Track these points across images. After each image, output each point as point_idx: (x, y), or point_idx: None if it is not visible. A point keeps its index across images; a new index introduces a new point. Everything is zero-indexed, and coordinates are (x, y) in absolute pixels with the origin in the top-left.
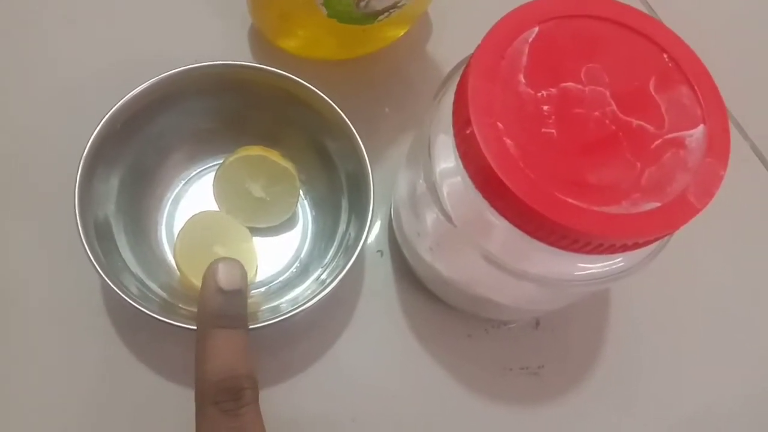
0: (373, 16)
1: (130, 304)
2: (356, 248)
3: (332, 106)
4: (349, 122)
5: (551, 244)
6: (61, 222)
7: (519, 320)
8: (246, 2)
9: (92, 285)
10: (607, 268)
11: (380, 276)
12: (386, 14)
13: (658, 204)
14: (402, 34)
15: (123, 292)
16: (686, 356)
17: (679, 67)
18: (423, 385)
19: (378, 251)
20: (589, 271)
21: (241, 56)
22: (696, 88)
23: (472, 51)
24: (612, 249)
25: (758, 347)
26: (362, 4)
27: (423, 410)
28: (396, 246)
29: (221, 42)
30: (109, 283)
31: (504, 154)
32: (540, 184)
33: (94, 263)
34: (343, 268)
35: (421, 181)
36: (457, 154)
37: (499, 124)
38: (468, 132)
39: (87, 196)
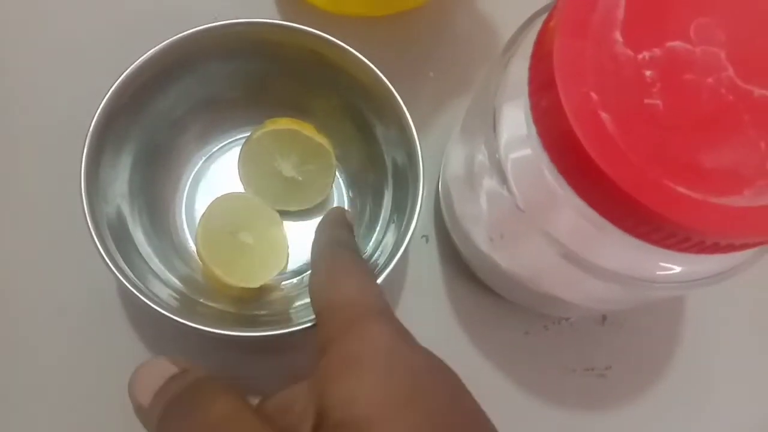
0: None
1: (149, 305)
2: (396, 252)
3: (371, 67)
4: (390, 85)
5: (654, 242)
6: (71, 214)
7: (582, 315)
8: None
9: (108, 280)
10: (709, 269)
11: (425, 264)
12: None
13: None
14: None
15: (141, 293)
16: (764, 363)
17: None
18: (474, 387)
19: (423, 236)
20: (685, 271)
21: (265, 13)
22: None
23: (530, 3)
24: (730, 248)
25: None
26: None
27: None
28: (443, 231)
29: None
30: (128, 286)
31: (599, 131)
32: (645, 170)
33: (111, 267)
34: (386, 266)
35: (480, 158)
36: (533, 128)
37: (593, 94)
38: (552, 103)
39: (95, 184)
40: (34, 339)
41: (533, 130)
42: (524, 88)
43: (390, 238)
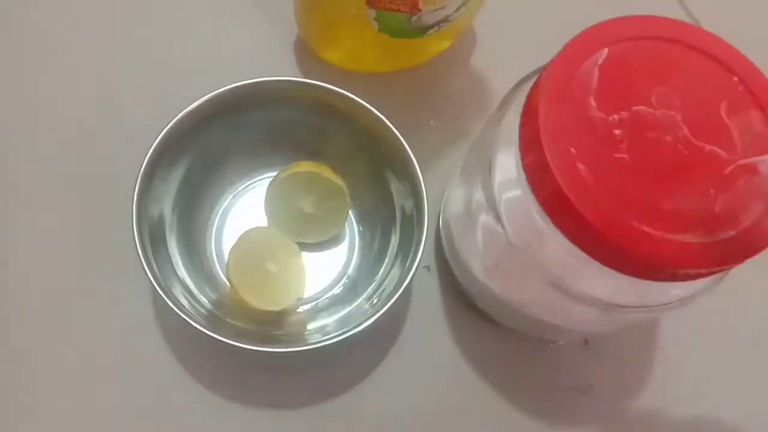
0: (423, 30)
1: (180, 316)
2: (409, 273)
3: (381, 119)
4: (398, 134)
5: (624, 272)
6: (116, 229)
7: (567, 339)
8: (293, 11)
9: (145, 297)
10: (675, 294)
11: (427, 293)
12: (436, 28)
13: (734, 233)
14: (447, 47)
15: (173, 303)
16: (739, 378)
17: (749, 90)
18: (470, 407)
19: (425, 267)
20: (655, 297)
21: (286, 67)
22: (767, 111)
23: (516, 65)
24: (686, 277)
25: None
26: (414, 19)
27: (470, 431)
28: (444, 262)
29: (266, 54)
30: (162, 294)
31: (578, 180)
32: (615, 213)
33: (154, 283)
34: (391, 296)
35: (477, 198)
36: (522, 177)
37: (572, 149)
38: (538, 156)
39: (144, 213)
40: (71, 341)
41: (523, 176)
42: (515, 139)
43: (396, 271)
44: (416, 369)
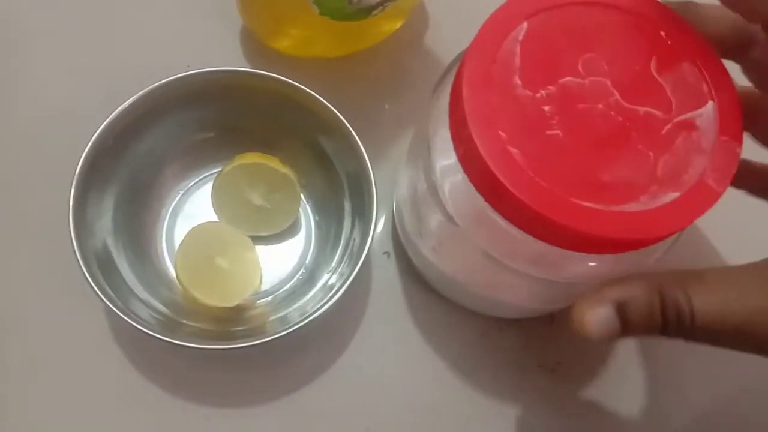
0: (366, 10)
1: (137, 328)
2: (362, 253)
3: (326, 105)
4: (344, 120)
5: (570, 248)
6: (60, 249)
7: (532, 317)
8: (236, 4)
9: (97, 308)
10: (620, 264)
11: (388, 278)
12: (380, 8)
13: (678, 194)
14: (398, 27)
15: (129, 317)
16: (706, 351)
17: (678, 44)
18: (438, 389)
19: (384, 253)
20: (603, 268)
21: (234, 59)
22: (699, 63)
23: (472, 41)
24: (632, 246)
25: None
26: None
27: (439, 415)
28: (403, 246)
29: (212, 45)
30: (116, 311)
31: (511, 164)
32: (553, 191)
33: (99, 294)
34: (350, 274)
35: (421, 179)
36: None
37: (502, 134)
38: (468, 144)
39: (82, 221)
40: (28, 361)
41: (461, 166)
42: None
43: (354, 248)
44: (381, 357)
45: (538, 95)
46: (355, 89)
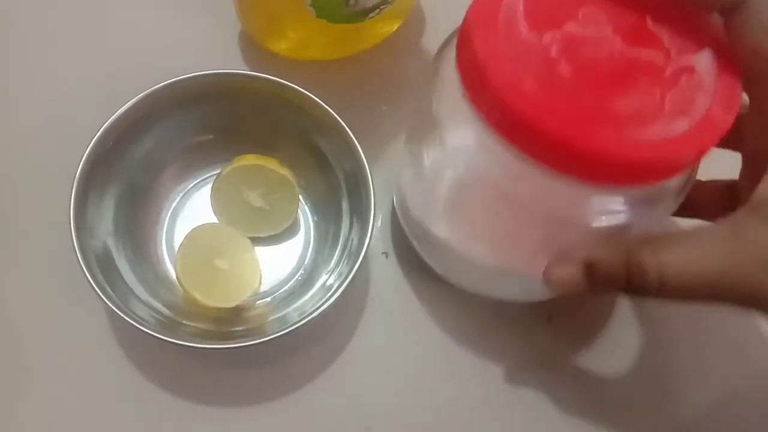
0: (363, 13)
1: (138, 328)
2: (360, 253)
3: (323, 106)
4: (341, 121)
5: (593, 181)
6: (61, 249)
7: (531, 317)
8: (234, 7)
9: (98, 308)
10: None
11: (386, 278)
12: (377, 11)
13: (688, 125)
14: (395, 29)
15: (129, 317)
16: (702, 344)
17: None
18: (436, 388)
19: (383, 253)
20: (618, 210)
21: (232, 61)
22: (691, 17)
23: None
24: (649, 174)
25: None
26: (351, 2)
27: (438, 413)
28: (401, 246)
29: (211, 48)
30: (117, 311)
31: (528, 96)
32: (571, 119)
33: (100, 294)
34: (349, 274)
35: (425, 149)
36: (467, 109)
37: (513, 69)
38: (482, 82)
39: (83, 222)
40: (29, 361)
41: (467, 108)
42: (455, 78)
43: (353, 248)
44: (380, 356)
45: (544, 39)
46: (353, 91)
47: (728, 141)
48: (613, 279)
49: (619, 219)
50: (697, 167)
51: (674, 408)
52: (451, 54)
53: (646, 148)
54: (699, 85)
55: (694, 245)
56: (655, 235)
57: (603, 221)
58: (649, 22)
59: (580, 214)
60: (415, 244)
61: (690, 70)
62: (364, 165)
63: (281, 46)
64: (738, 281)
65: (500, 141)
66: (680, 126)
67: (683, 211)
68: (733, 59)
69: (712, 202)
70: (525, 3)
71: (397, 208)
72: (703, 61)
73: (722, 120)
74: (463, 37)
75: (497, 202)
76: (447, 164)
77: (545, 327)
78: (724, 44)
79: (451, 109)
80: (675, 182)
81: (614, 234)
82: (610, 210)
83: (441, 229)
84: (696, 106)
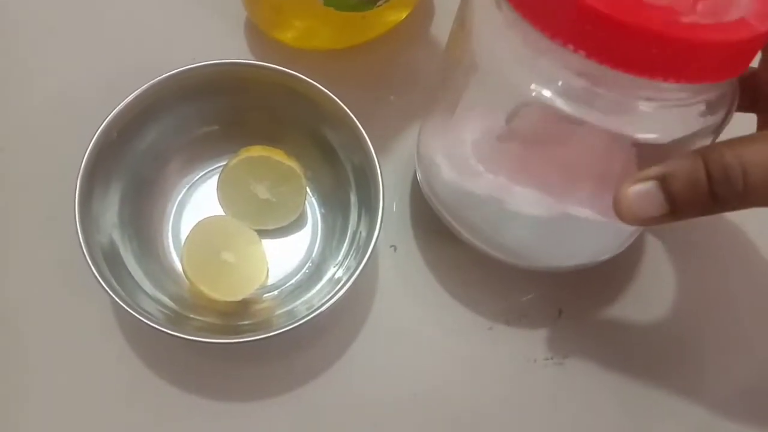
0: (371, 1)
1: (144, 322)
2: (369, 246)
3: (331, 97)
4: (350, 112)
5: (638, 72)
6: (66, 243)
7: (542, 307)
8: None
9: (104, 303)
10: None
11: (395, 271)
12: None
13: (727, 19)
14: (403, 17)
15: (136, 311)
16: (710, 344)
17: None
18: (445, 382)
19: (391, 246)
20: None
21: (238, 51)
22: None
23: None
24: (691, 72)
25: None
26: None
27: (446, 408)
28: (410, 238)
29: (217, 38)
30: (123, 305)
31: None
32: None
33: (106, 288)
34: (357, 267)
35: (467, 96)
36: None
37: None
38: None
39: (88, 216)
40: (35, 356)
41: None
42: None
43: (361, 241)
44: (388, 351)
45: None
46: (360, 81)
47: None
48: (694, 187)
49: (676, 131)
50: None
51: (686, 405)
52: None
53: (684, 30)
54: None
55: None
56: (730, 139)
57: (660, 133)
58: None
59: (636, 125)
60: (448, 218)
61: None
62: (373, 158)
63: (287, 35)
64: None
65: (542, 38)
66: (720, 18)
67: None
68: None
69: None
70: None
71: (423, 184)
72: None
73: (755, 28)
74: None
75: (548, 127)
76: (489, 99)
77: (554, 321)
78: None
79: (489, 31)
80: (723, 87)
81: (678, 149)
82: (665, 119)
83: (484, 184)
84: (730, 14)
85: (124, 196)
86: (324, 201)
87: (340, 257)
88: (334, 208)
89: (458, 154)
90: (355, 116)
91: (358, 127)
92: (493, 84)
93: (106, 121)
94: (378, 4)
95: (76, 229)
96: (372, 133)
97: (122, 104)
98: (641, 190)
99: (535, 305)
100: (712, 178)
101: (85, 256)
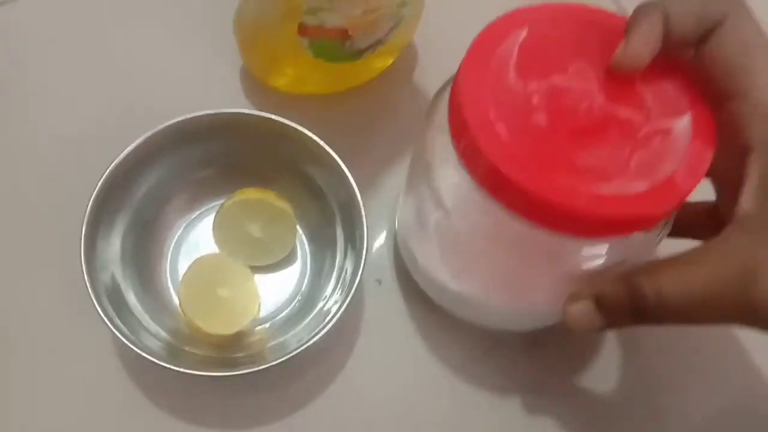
0: (359, 53)
1: (142, 355)
2: (354, 282)
3: (317, 141)
4: (335, 155)
5: (550, 227)
6: (70, 278)
7: (522, 328)
8: (236, 46)
9: (104, 334)
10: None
11: (380, 304)
12: (372, 50)
13: (647, 186)
14: (389, 64)
15: (138, 348)
16: (687, 363)
17: (665, 61)
18: (428, 411)
19: (376, 280)
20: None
21: (234, 96)
22: (680, 79)
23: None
24: (604, 231)
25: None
26: (347, 44)
27: None
28: (394, 272)
29: (214, 84)
30: (128, 344)
31: (495, 139)
32: (531, 166)
33: (113, 329)
34: (344, 302)
35: (425, 195)
36: (456, 158)
37: (491, 112)
38: (461, 121)
39: (92, 252)
40: (34, 385)
41: (456, 157)
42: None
43: (347, 276)
44: (373, 378)
45: (529, 87)
46: (349, 123)
47: None
48: (620, 307)
49: (607, 259)
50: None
51: (666, 425)
52: (446, 98)
53: (598, 204)
54: (670, 149)
55: (685, 266)
56: (653, 261)
57: (591, 263)
58: (639, 81)
59: (562, 258)
60: (412, 274)
61: (666, 132)
62: (356, 196)
63: (280, 82)
64: (724, 292)
65: (476, 185)
66: (640, 186)
67: (675, 233)
68: (711, 125)
69: (701, 222)
70: (520, 51)
71: (397, 238)
72: (682, 124)
73: (684, 184)
74: (456, 77)
75: (486, 245)
76: (437, 206)
77: (531, 351)
78: (708, 110)
79: (441, 152)
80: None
81: (613, 268)
82: (592, 254)
83: (435, 265)
84: (661, 169)
85: (126, 234)
86: (312, 238)
87: (327, 292)
88: (322, 244)
89: (419, 233)
90: (342, 156)
91: (341, 167)
92: (439, 195)
93: (112, 164)
94: (365, 55)
95: (81, 265)
96: (359, 172)
97: (128, 149)
98: (582, 309)
99: (511, 336)
100: (632, 302)
101: (89, 290)
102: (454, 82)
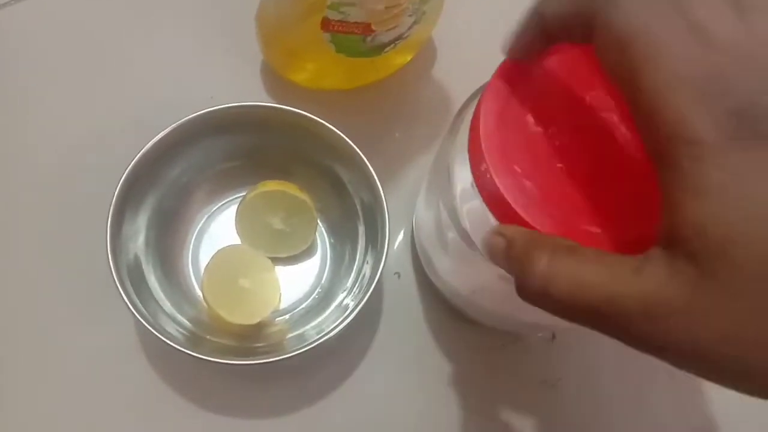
0: (380, 48)
1: (165, 342)
2: (374, 277)
3: (341, 136)
4: (359, 151)
5: None
6: (95, 266)
7: (536, 334)
8: (257, 40)
9: (127, 322)
10: None
11: (398, 297)
12: (392, 45)
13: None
14: (408, 60)
15: (159, 332)
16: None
17: None
18: (442, 404)
19: (395, 273)
20: None
21: (254, 90)
22: None
23: (476, 73)
24: None
25: None
26: (369, 39)
27: (443, 428)
28: (413, 267)
29: (236, 79)
30: (148, 326)
31: (526, 196)
32: (566, 220)
33: (132, 310)
34: (363, 296)
35: (442, 205)
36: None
37: (516, 167)
38: (487, 178)
39: (118, 239)
40: (57, 371)
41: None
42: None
43: (365, 275)
44: (391, 370)
45: (549, 131)
46: (368, 118)
47: None
48: (511, 268)
49: None
50: None
51: (679, 424)
52: (467, 118)
53: (631, 249)
54: None
55: (596, 262)
56: (581, 248)
57: None
58: None
59: None
60: (429, 275)
61: None
62: (381, 197)
63: (300, 77)
64: (618, 311)
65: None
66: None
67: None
68: None
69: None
70: (535, 93)
71: (414, 236)
72: None
73: None
74: (474, 126)
75: (498, 276)
76: (456, 225)
77: (548, 345)
78: None
79: (462, 173)
80: None
81: None
82: None
83: (452, 277)
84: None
85: (150, 224)
86: (333, 231)
87: (348, 285)
88: (343, 238)
89: (434, 236)
90: (363, 150)
91: (368, 167)
92: (455, 206)
93: (139, 154)
94: (386, 50)
95: (107, 252)
96: (379, 167)
97: (154, 140)
98: (495, 244)
99: (530, 329)
100: (519, 274)
101: (113, 277)
102: (473, 136)
